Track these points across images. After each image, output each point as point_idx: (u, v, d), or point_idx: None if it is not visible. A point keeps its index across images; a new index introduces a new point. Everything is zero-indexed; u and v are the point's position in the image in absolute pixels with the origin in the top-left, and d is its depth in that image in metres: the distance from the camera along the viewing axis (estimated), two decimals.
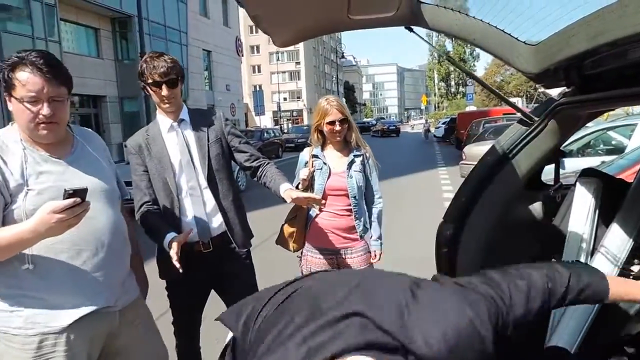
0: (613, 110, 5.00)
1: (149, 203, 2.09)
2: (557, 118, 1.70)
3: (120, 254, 1.63)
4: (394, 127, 41.01)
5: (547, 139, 1.75)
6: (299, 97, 65.31)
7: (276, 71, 60.15)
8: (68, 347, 1.48)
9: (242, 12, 38.28)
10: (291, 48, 69.02)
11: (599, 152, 6.67)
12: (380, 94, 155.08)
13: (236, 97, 31.83)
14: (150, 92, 2.04)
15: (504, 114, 17.62)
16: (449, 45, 55.33)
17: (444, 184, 11.03)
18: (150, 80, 2.00)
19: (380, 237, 2.58)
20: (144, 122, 19.57)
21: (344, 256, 2.49)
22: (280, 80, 60.60)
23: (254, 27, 66.87)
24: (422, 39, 1.91)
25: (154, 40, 20.03)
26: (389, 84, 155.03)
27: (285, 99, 60.94)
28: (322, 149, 2.55)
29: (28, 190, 1.40)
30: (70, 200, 1.30)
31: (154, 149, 2.09)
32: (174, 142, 2.10)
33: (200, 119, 2.17)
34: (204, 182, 2.10)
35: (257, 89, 38.28)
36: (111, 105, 19.80)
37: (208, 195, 2.11)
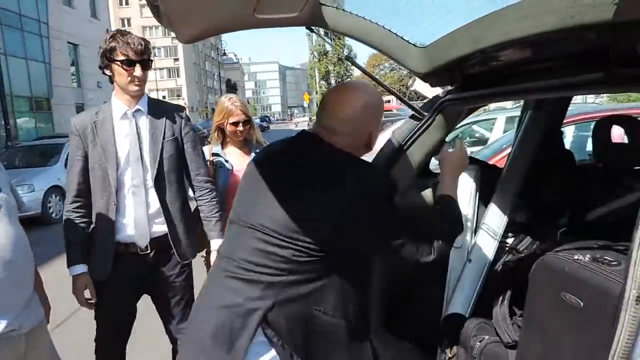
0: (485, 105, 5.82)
1: (79, 205, 1.92)
2: (443, 113, 1.91)
3: (23, 271, 1.47)
4: (266, 124, 55.43)
5: (435, 131, 1.95)
6: (179, 95, 62.62)
7: (153, 67, 56.89)
8: None
9: (112, 3, 35.54)
10: (168, 43, 65.95)
11: (466, 144, 7.49)
12: (263, 92, 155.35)
13: (109, 95, 29.41)
14: (117, 72, 1.87)
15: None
16: (328, 45, 57.35)
17: None
18: (122, 57, 1.83)
19: None
20: None
21: None
22: (159, 78, 57.50)
23: (125, 20, 62.49)
24: (324, 39, 2.01)
25: (8, 30, 17.76)
26: (271, 82, 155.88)
27: (164, 96, 57.97)
28: (222, 147, 2.57)
29: None
30: None
31: (101, 134, 1.90)
32: (125, 132, 1.93)
33: (159, 112, 2.00)
34: (150, 182, 1.94)
35: None
36: None
37: (153, 196, 1.95)
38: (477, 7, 1.49)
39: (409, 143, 1.96)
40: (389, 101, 34.26)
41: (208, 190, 2.14)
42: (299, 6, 1.63)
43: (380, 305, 1.99)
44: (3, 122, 15.05)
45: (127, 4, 63.21)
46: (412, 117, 1.99)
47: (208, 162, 2.49)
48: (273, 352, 1.20)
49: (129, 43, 1.87)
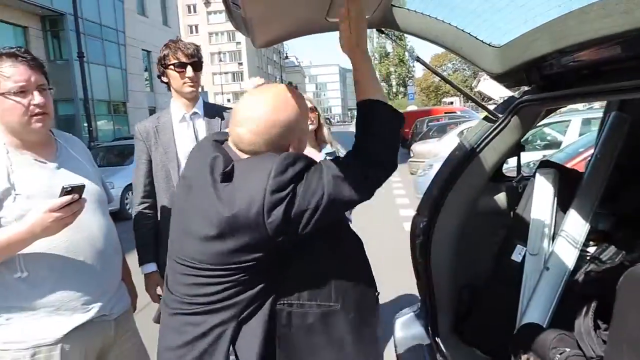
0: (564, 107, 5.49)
1: (147, 205, 2.05)
2: (519, 114, 1.84)
3: (112, 260, 1.57)
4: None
5: (510, 134, 1.88)
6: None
7: (219, 72, 59.15)
8: (65, 358, 1.40)
9: (181, 11, 37.29)
10: (233, 48, 68.20)
11: (537, 147, 7.15)
12: (324, 94, 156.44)
13: None
14: (171, 76, 1.99)
15: (445, 113, 18.39)
16: (388, 46, 56.74)
17: (393, 180, 11.34)
18: (174, 61, 1.95)
19: None
20: (80, 126, 18.66)
21: None
22: (223, 82, 59.66)
23: (193, 27, 65.36)
24: (394, 41, 2.00)
25: (89, 40, 19.13)
26: (331, 84, 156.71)
27: (229, 100, 60.00)
28: None
29: (16, 195, 1.34)
30: (68, 197, 1.27)
31: (162, 137, 2.03)
32: (184, 134, 2.04)
33: (214, 114, 2.11)
34: None
35: (201, 90, 37.51)
36: None
37: None
38: (556, 6, 1.42)
39: (481, 145, 1.90)
40: (451, 103, 33.37)
41: None
42: (370, 9, 1.64)
43: (450, 311, 1.95)
44: (86, 125, 16.27)
45: (194, 11, 66.11)
46: (485, 118, 1.94)
47: None
48: None
49: (180, 47, 1.98)
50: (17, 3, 16.86)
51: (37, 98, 1.37)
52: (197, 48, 2.04)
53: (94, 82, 17.65)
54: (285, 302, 1.14)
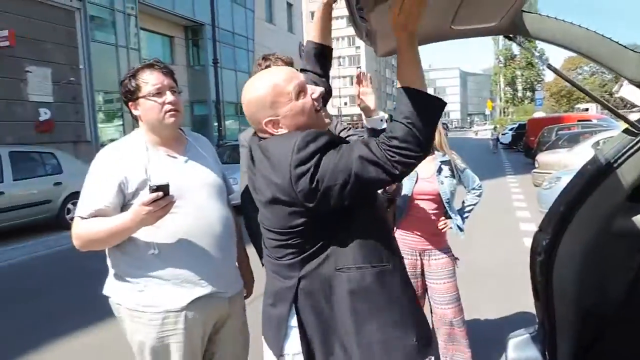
0: None
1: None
2: None
3: (228, 244, 1.77)
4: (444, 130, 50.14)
5: None
6: (359, 103, 65.27)
7: (337, 76, 60.55)
8: (186, 325, 1.65)
9: (305, 17, 38.92)
10: (352, 53, 69.23)
11: None
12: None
13: None
14: None
15: (578, 121, 16.73)
16: (515, 48, 53.12)
17: (514, 192, 10.66)
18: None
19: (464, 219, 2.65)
20: (212, 125, 20.46)
21: (427, 258, 2.54)
22: (342, 85, 60.90)
23: None
24: (522, 47, 1.91)
25: (222, 47, 20.88)
26: (451, 88, 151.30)
27: (345, 103, 61.15)
28: None
29: (151, 185, 1.56)
30: (154, 195, 1.46)
31: None
32: None
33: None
34: None
35: None
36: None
37: None
38: None
39: (620, 161, 1.74)
40: (586, 110, 30.14)
41: None
42: (498, 16, 1.60)
43: (572, 338, 1.81)
44: (216, 124, 17.82)
45: None
46: (625, 130, 1.76)
47: None
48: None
49: (277, 57, 2.15)
50: (166, 15, 19.02)
51: (169, 97, 1.65)
52: (291, 62, 2.16)
53: (224, 86, 19.21)
54: (344, 266, 1.25)
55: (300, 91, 1.29)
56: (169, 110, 1.65)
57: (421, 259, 2.55)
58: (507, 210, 8.29)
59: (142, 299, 1.63)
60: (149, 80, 1.64)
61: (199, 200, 1.68)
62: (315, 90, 1.32)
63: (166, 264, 1.62)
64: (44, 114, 12.02)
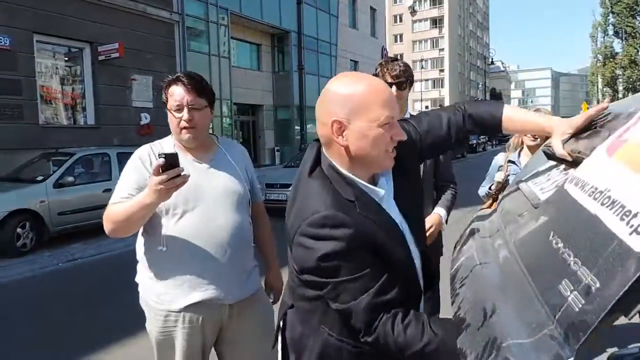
0: None
1: None
2: None
3: (236, 252, 1.76)
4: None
5: None
6: (441, 105, 63.68)
7: (419, 79, 59.46)
8: (186, 326, 1.73)
9: (388, 22, 38.69)
10: (435, 55, 67.73)
11: None
12: (531, 101, 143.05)
13: None
14: None
15: None
16: (617, 45, 48.77)
17: None
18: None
19: None
20: (294, 129, 21.03)
21: None
22: (423, 89, 59.80)
23: (398, 36, 67.02)
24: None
25: (307, 53, 21.38)
26: (541, 90, 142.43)
27: (427, 106, 59.87)
28: (519, 155, 2.59)
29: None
30: (160, 160, 1.48)
31: None
32: None
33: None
34: None
35: None
36: (267, 114, 21.61)
37: None
38: None
39: None
40: None
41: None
42: None
43: None
44: (298, 128, 18.27)
45: (400, 21, 67.77)
46: None
47: (501, 168, 2.56)
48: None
49: (389, 69, 2.17)
50: (255, 24, 19.83)
51: (185, 115, 1.69)
52: (405, 69, 2.19)
53: (307, 91, 19.66)
54: (329, 328, 1.19)
55: (387, 123, 1.12)
56: (184, 128, 1.70)
57: None
58: None
59: (151, 293, 1.76)
60: (173, 94, 1.70)
61: (213, 206, 1.73)
62: (401, 135, 1.16)
63: (170, 263, 1.70)
64: (144, 119, 13.09)
